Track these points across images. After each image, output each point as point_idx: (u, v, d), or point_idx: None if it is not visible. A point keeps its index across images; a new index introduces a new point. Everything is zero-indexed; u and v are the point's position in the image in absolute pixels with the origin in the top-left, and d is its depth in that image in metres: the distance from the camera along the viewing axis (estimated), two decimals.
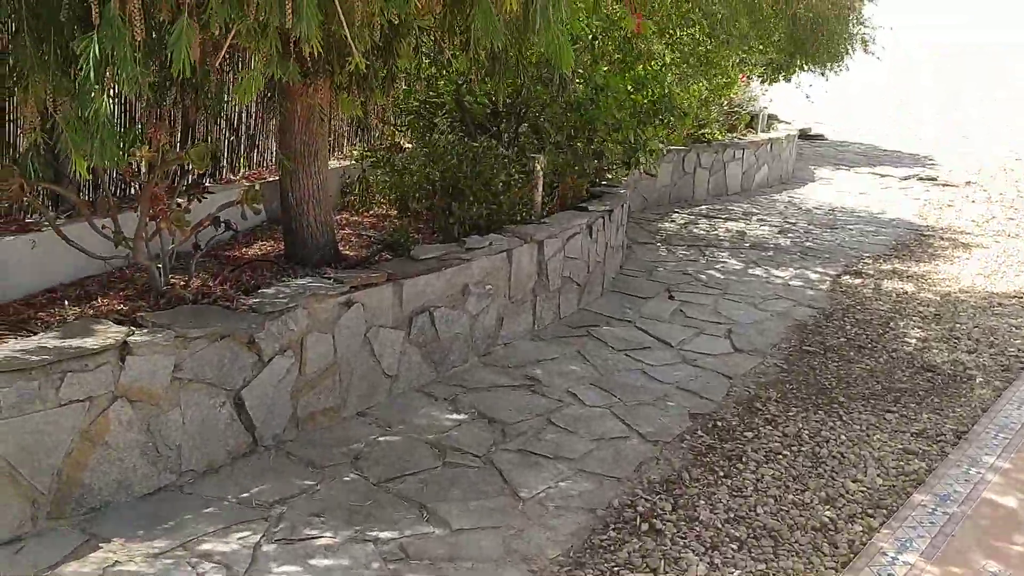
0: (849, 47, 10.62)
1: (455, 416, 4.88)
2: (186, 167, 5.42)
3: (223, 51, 3.50)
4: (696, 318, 6.86)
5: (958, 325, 6.79)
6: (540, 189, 6.72)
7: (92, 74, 3.04)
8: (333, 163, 7.13)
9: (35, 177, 3.71)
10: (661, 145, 7.55)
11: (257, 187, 4.39)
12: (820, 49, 9.79)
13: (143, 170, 4.32)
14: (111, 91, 3.23)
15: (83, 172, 3.34)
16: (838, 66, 10.92)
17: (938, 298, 7.52)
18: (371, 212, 6.93)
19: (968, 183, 13.58)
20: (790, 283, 7.95)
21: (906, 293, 7.65)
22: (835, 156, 16.19)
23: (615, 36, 7.61)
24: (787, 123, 14.37)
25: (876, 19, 11.20)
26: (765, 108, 13.18)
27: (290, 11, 3.03)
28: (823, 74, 11.18)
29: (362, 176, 7.05)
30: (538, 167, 6.71)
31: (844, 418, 5.09)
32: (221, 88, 4.89)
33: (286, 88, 4.79)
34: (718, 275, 8.09)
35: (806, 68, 10.82)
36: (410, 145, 7.93)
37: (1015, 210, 11.65)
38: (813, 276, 8.20)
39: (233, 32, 3.31)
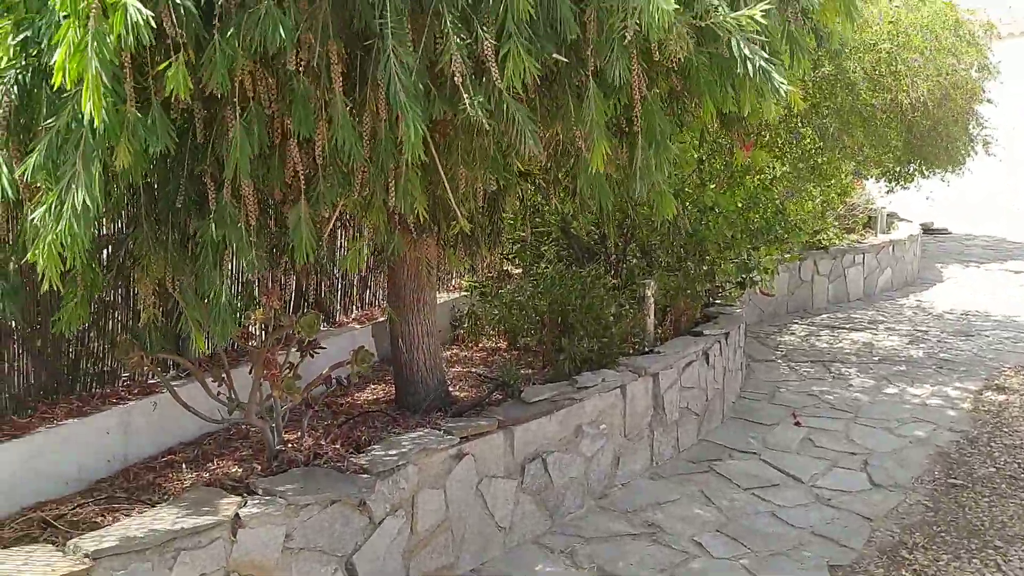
0: (970, 150, 10.16)
1: (573, 572, 4.62)
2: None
3: (332, 223, 3.53)
4: (827, 447, 6.42)
5: None
6: (652, 316, 6.54)
7: (211, 258, 3.11)
8: (442, 296, 7.17)
9: (153, 349, 3.80)
10: (776, 263, 7.27)
11: (367, 347, 4.39)
12: (939, 154, 9.40)
13: (256, 331, 4.38)
14: (228, 268, 3.29)
15: (203, 349, 3.40)
16: (959, 169, 10.44)
17: None
18: (481, 345, 6.88)
19: None
20: (927, 402, 7.40)
21: None
22: (961, 252, 15.38)
23: (722, 155, 7.49)
24: (908, 221, 13.78)
25: (996, 119, 10.67)
26: (884, 207, 12.70)
27: (393, 190, 3.03)
28: (943, 179, 10.70)
29: (471, 310, 7.04)
30: (649, 293, 6.55)
31: (1003, 567, 4.57)
32: (332, 251, 4.99)
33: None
34: (847, 395, 7.61)
35: (926, 174, 10.39)
36: (519, 271, 7.93)
37: None
38: (952, 393, 7.62)
39: (341, 206, 3.35)
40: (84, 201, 2.32)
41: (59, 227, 2.31)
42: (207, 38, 2.62)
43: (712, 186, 7.55)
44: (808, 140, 8.01)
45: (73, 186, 2.34)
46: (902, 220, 13.77)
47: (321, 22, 2.76)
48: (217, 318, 3.28)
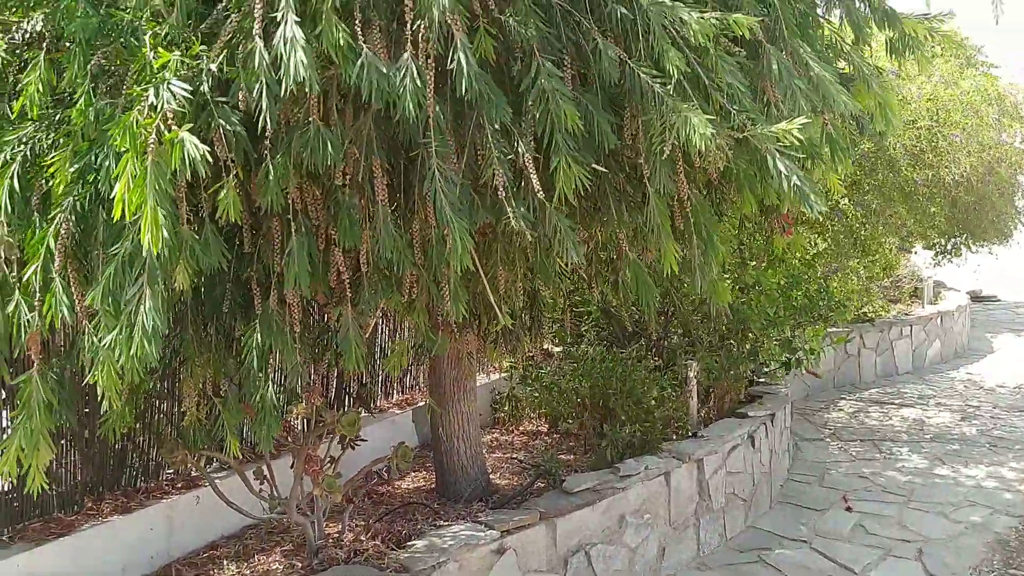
0: (1018, 223, 10.01)
1: None
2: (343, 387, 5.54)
3: (374, 321, 3.56)
4: (880, 534, 6.21)
5: None
6: (695, 398, 6.45)
7: (256, 362, 3.15)
8: (482, 378, 7.16)
9: (197, 447, 3.83)
10: (822, 342, 7.16)
11: (408, 435, 4.38)
12: (986, 228, 9.26)
13: (296, 423, 4.40)
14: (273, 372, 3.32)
15: (236, 452, 3.43)
16: (1007, 242, 10.27)
17: None
18: (521, 428, 6.83)
19: None
20: (983, 484, 7.15)
21: None
22: (1012, 320, 15.03)
23: (762, 232, 7.46)
24: (955, 290, 13.53)
25: None
26: (930, 277, 12.49)
27: (446, 295, 3.06)
28: (991, 252, 10.53)
29: (511, 392, 7.01)
30: (692, 375, 6.47)
31: None
32: (372, 343, 5.03)
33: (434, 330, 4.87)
34: (899, 477, 7.39)
35: (973, 249, 10.24)
36: (559, 348, 7.90)
37: None
38: (1009, 475, 7.35)
39: (383, 305, 3.38)
40: (154, 323, 2.41)
41: (132, 351, 2.39)
42: (256, 156, 2.70)
43: (753, 264, 7.51)
44: (850, 216, 7.95)
45: (140, 309, 2.42)
46: (949, 289, 13.53)
47: (365, 137, 2.83)
48: (262, 421, 3.31)
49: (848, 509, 6.68)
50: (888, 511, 6.62)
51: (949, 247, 10.05)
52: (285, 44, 2.40)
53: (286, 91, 2.43)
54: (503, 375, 7.39)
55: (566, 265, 3.51)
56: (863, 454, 8.01)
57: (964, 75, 9.27)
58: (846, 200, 7.96)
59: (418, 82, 2.52)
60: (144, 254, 2.37)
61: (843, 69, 3.55)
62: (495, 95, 2.64)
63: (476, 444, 5.36)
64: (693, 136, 2.50)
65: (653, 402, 6.08)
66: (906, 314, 11.38)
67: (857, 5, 4.65)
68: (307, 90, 2.42)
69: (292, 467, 4.31)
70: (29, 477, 2.82)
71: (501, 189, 2.66)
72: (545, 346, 8.02)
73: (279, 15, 2.44)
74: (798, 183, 2.65)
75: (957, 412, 9.36)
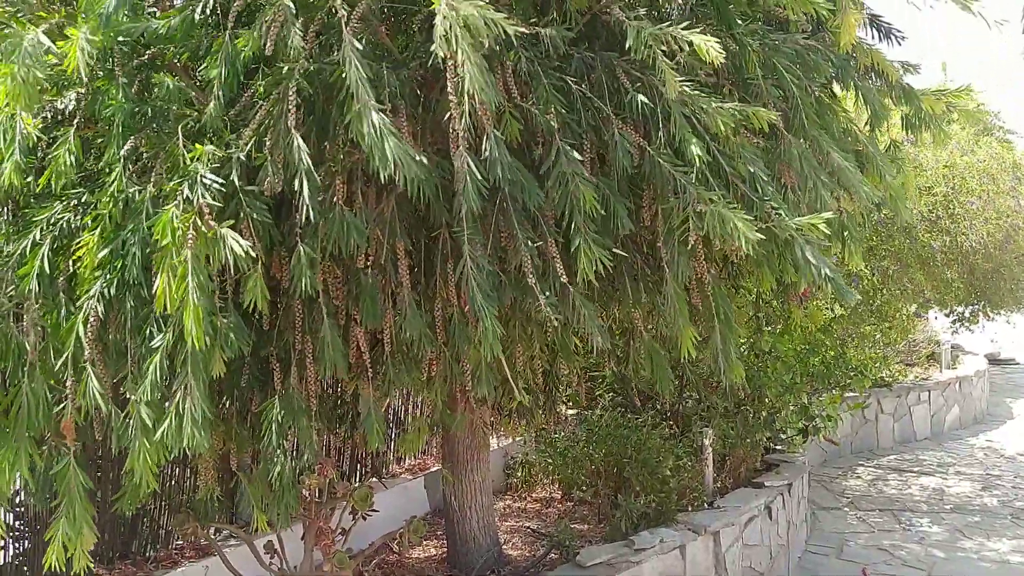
0: None
1: None
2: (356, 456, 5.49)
3: (390, 398, 3.55)
4: None
5: None
6: (711, 467, 6.37)
7: (275, 438, 3.14)
8: (495, 442, 7.10)
9: (209, 519, 3.81)
10: (839, 409, 7.08)
11: (421, 500, 4.33)
12: (1004, 296, 9.20)
13: (308, 493, 4.36)
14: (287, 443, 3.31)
15: (264, 527, 3.41)
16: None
17: None
18: (535, 495, 6.75)
19: None
20: (1008, 559, 6.99)
21: None
22: None
23: (778, 298, 7.43)
24: (973, 353, 13.39)
25: None
26: (948, 341, 12.37)
27: (468, 377, 3.06)
28: (1008, 320, 10.45)
29: (525, 458, 6.94)
30: (707, 442, 6.39)
31: None
32: (387, 415, 5.02)
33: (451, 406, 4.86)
34: (920, 550, 7.23)
35: (990, 316, 10.17)
36: (572, 411, 7.83)
37: None
38: None
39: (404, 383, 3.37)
40: (203, 412, 2.45)
41: (183, 441, 2.43)
42: (279, 241, 2.73)
43: (768, 329, 7.46)
44: (867, 281, 7.92)
45: (188, 399, 2.46)
46: (967, 353, 13.39)
47: (388, 219, 2.86)
48: (281, 497, 3.29)
49: None
50: None
51: (967, 314, 9.98)
52: (375, 130, 2.40)
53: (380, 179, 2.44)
54: (517, 439, 7.32)
55: (585, 343, 3.50)
56: (882, 525, 7.86)
57: (980, 142, 9.31)
58: (863, 266, 7.93)
59: (477, 174, 2.53)
60: (187, 346, 2.41)
61: (859, 148, 3.56)
62: (527, 181, 2.66)
63: (488, 513, 5.30)
64: (736, 236, 2.51)
65: (668, 471, 6.00)
66: (924, 379, 11.26)
67: (874, 81, 4.70)
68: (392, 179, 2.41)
69: (303, 538, 4.27)
70: (75, 560, 2.84)
71: (530, 276, 2.67)
72: (560, 409, 7.96)
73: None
74: (829, 274, 2.65)
75: (978, 481, 9.19)
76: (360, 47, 2.36)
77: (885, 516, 8.09)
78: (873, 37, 4.41)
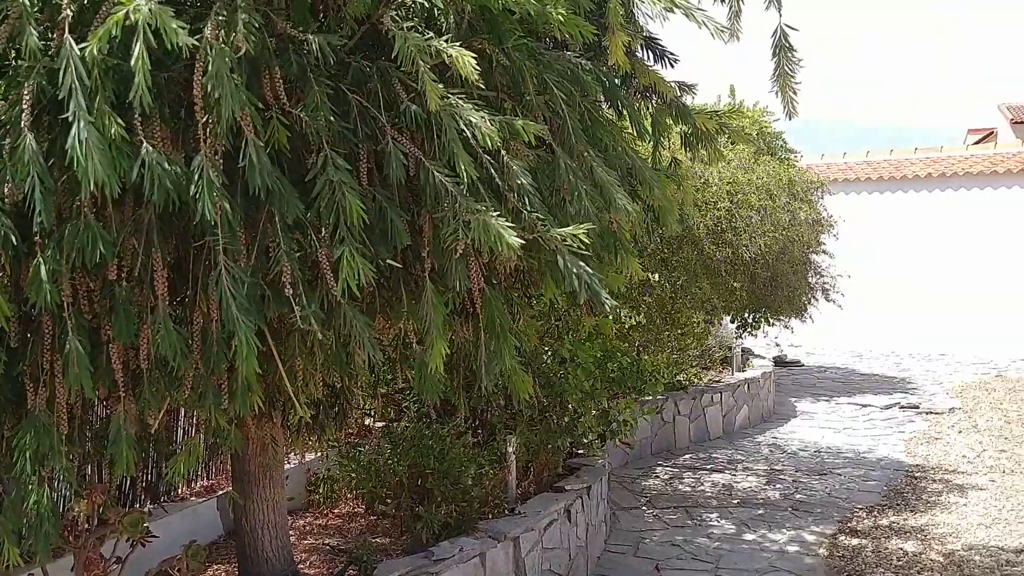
0: (811, 298, 10.84)
1: None
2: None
3: (161, 415, 3.36)
4: None
5: None
6: (514, 474, 6.48)
7: (28, 466, 2.90)
8: (298, 458, 6.89)
9: None
10: (635, 414, 7.41)
11: (213, 540, 4.12)
12: (782, 303, 9.97)
13: (79, 521, 4.06)
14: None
15: (16, 560, 3.13)
16: (803, 316, 11.09)
17: (942, 558, 7.12)
18: (338, 511, 6.61)
19: (952, 409, 13.45)
20: (786, 549, 7.54)
21: (907, 555, 7.25)
22: (814, 385, 16.16)
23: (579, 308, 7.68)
24: (762, 357, 14.42)
25: (838, 265, 11.59)
26: (739, 345, 13.24)
27: (226, 393, 2.93)
28: (787, 326, 11.32)
29: (326, 475, 6.78)
30: (511, 450, 6.50)
31: None
32: (170, 434, 4.76)
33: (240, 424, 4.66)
34: (709, 543, 7.68)
35: (771, 322, 10.98)
36: (381, 424, 7.75)
37: (1005, 439, 11.44)
38: (809, 538, 7.80)
39: (167, 404, 3.19)
40: None
41: None
42: (26, 252, 2.53)
43: (569, 336, 7.70)
44: (661, 291, 8.34)
45: None
46: (756, 356, 14.40)
47: (145, 228, 2.70)
48: (39, 528, 3.03)
49: None
50: None
51: (751, 320, 10.73)
52: (80, 146, 2.25)
53: (86, 193, 2.29)
54: (320, 455, 7.15)
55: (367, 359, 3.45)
56: (676, 521, 8.28)
57: (759, 161, 10.07)
58: (657, 276, 8.35)
59: (216, 181, 2.44)
60: None
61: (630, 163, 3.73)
62: (286, 190, 2.59)
63: (283, 534, 5.13)
64: (498, 243, 2.55)
65: (470, 480, 6.05)
66: (717, 381, 11.99)
67: (653, 101, 4.94)
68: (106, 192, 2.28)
69: (72, 569, 3.97)
70: None
71: (289, 288, 2.59)
72: (366, 422, 7.85)
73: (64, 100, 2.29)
74: (588, 280, 2.75)
75: (763, 476, 9.88)
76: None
77: (679, 513, 8.53)
78: (649, 58, 4.65)
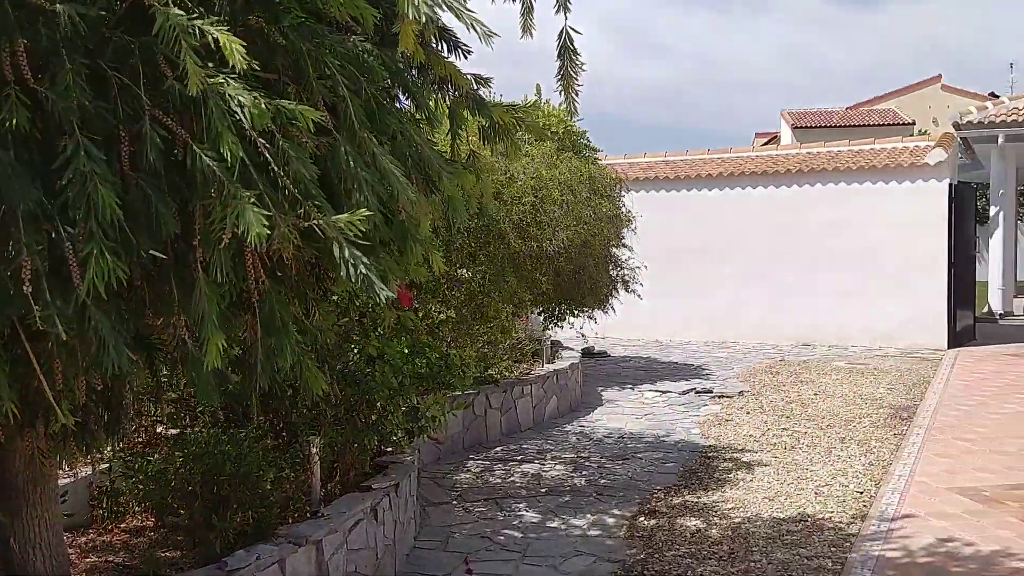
0: (612, 290, 11.26)
1: None
2: None
3: None
4: None
5: (752, 564, 6.81)
6: (317, 475, 6.28)
7: None
8: (83, 471, 6.36)
9: None
10: (444, 410, 7.39)
11: None
12: (585, 295, 10.29)
13: None
14: None
15: None
16: (605, 308, 11.50)
17: (730, 532, 7.58)
18: (125, 525, 6.15)
19: (741, 393, 14.42)
20: (588, 533, 7.78)
21: (699, 531, 7.68)
22: (619, 374, 16.85)
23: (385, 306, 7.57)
24: (571, 349, 14.87)
25: (639, 257, 12.11)
26: (548, 338, 13.57)
27: None
28: (591, 317, 11.71)
29: (110, 488, 6.30)
30: (314, 451, 6.30)
31: None
32: None
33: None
34: (516, 534, 7.79)
35: (576, 314, 11.32)
36: (176, 431, 7.29)
37: (787, 418, 12.39)
38: (610, 521, 8.09)
39: None
40: None
41: None
42: None
43: (375, 334, 7.57)
44: (471, 285, 8.37)
45: None
46: (566, 348, 14.83)
47: None
48: None
49: (469, 572, 6.88)
50: (505, 569, 6.93)
51: (557, 313, 11.01)
52: None
53: None
54: (105, 465, 6.63)
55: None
56: (486, 514, 8.35)
57: (561, 158, 10.35)
58: (465, 271, 8.38)
59: None
60: None
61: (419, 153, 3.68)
62: (16, 178, 2.32)
63: (58, 553, 4.70)
64: (251, 230, 2.41)
65: (269, 485, 5.80)
66: (527, 373, 12.23)
67: (450, 92, 4.91)
68: None
69: None
70: None
71: (27, 284, 2.34)
72: (158, 430, 7.37)
73: None
74: (364, 271, 2.66)
75: (570, 464, 10.17)
76: None
77: (489, 505, 8.62)
78: (444, 50, 4.62)
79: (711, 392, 14.57)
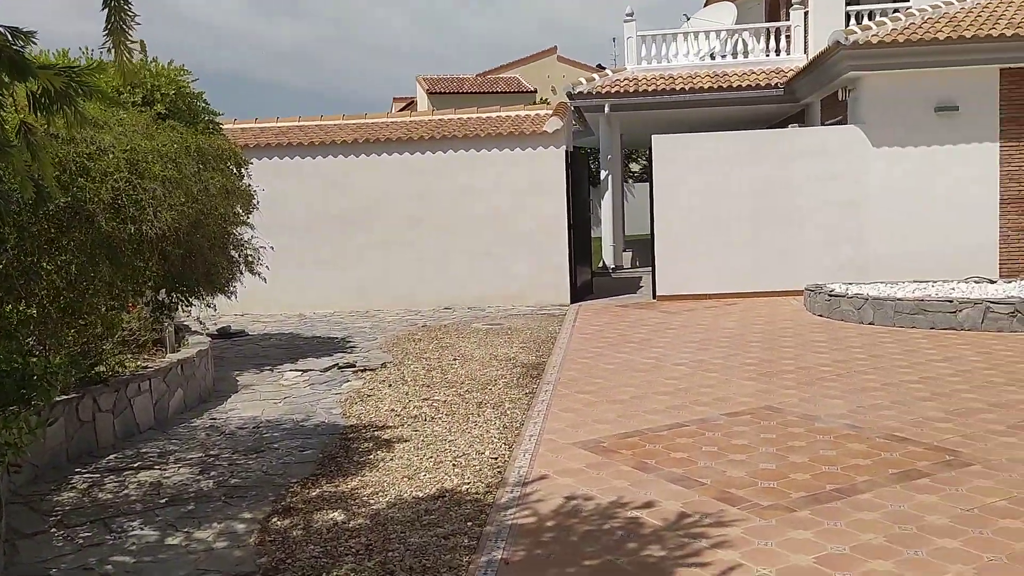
0: (236, 272, 10.38)
1: None
2: None
3: None
4: None
5: (390, 555, 6.54)
6: None
7: None
8: None
9: None
10: (22, 436, 6.15)
11: None
12: (200, 280, 9.32)
13: None
14: None
15: None
16: (229, 292, 10.57)
17: (369, 521, 7.27)
18: None
19: (384, 364, 14.27)
20: (215, 546, 7.01)
21: (336, 524, 7.26)
22: (258, 354, 15.92)
23: None
24: (199, 334, 13.67)
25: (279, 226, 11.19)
26: (171, 324, 12.29)
27: None
28: (210, 305, 10.73)
29: None
30: None
31: None
32: None
33: None
34: (128, 559, 6.80)
35: (192, 302, 10.27)
36: None
37: (427, 388, 12.42)
38: (240, 527, 7.38)
39: None
40: None
41: None
42: None
43: None
44: (52, 278, 7.09)
45: None
46: (194, 333, 13.60)
47: None
48: None
49: None
50: None
51: (168, 302, 9.90)
52: None
53: None
54: None
55: None
56: (92, 539, 7.21)
57: (162, 126, 9.20)
58: (46, 263, 7.08)
59: None
60: None
61: None
62: None
63: None
64: None
65: None
66: (146, 367, 10.95)
67: None
68: None
69: None
70: None
71: None
72: None
73: None
74: None
75: (196, 466, 9.22)
76: None
77: (96, 527, 7.47)
78: None
79: (353, 366, 14.24)
